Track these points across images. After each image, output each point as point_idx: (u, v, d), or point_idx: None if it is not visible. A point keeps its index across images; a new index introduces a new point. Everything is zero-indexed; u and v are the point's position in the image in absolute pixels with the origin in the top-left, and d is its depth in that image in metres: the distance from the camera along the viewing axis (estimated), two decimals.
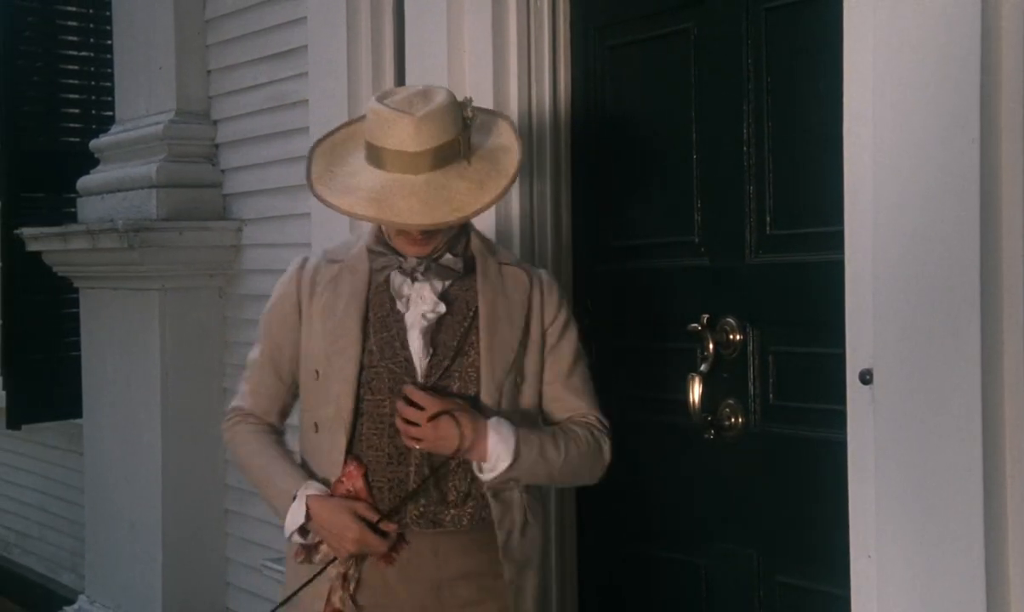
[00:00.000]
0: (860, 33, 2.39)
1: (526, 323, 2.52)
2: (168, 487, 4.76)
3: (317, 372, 2.45)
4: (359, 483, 2.41)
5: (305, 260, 2.56)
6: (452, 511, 2.45)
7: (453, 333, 2.45)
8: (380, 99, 2.39)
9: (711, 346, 2.98)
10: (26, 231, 5.26)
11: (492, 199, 2.38)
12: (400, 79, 3.85)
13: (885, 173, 2.34)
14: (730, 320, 2.97)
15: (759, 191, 2.92)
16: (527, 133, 3.42)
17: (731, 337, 2.97)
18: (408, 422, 2.38)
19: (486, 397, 2.45)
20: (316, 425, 2.47)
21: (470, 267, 2.51)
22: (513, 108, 3.40)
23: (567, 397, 2.58)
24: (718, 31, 3.01)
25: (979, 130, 2.19)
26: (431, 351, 2.44)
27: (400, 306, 2.45)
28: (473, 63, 3.45)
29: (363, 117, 2.47)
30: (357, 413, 2.43)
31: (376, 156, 2.34)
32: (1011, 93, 2.20)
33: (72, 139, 5.75)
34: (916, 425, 2.29)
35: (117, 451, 5.00)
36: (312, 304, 2.48)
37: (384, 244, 2.49)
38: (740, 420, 2.96)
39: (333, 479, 2.43)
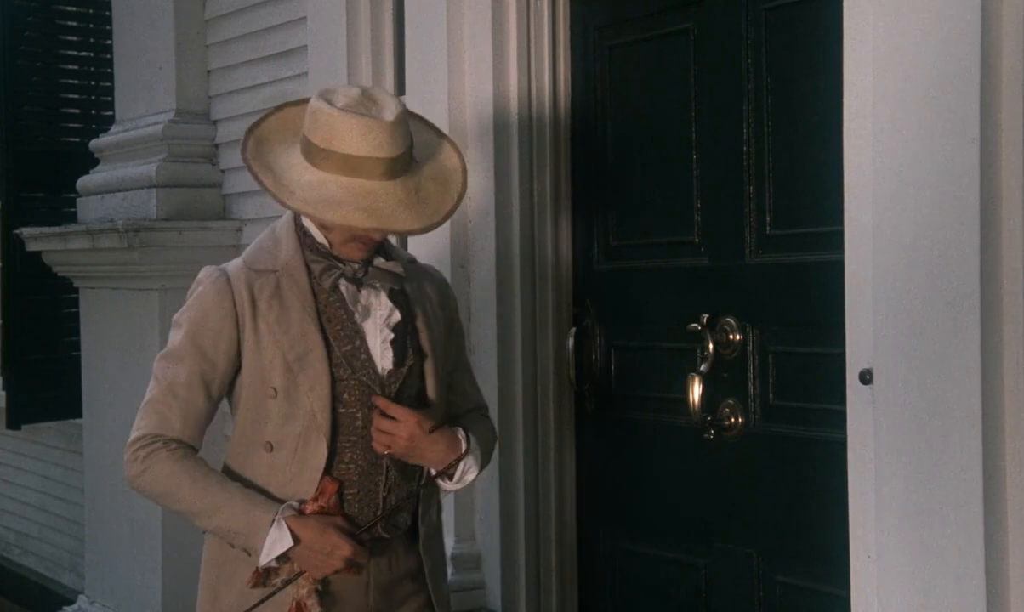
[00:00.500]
0: (860, 33, 2.39)
1: (447, 319, 2.57)
2: None
3: (275, 390, 2.34)
4: (333, 499, 2.36)
5: (225, 272, 2.40)
6: (403, 515, 2.47)
7: (401, 339, 2.44)
8: (331, 101, 2.31)
9: (711, 346, 2.98)
10: (26, 231, 5.26)
11: (461, 195, 2.40)
12: (400, 79, 3.85)
13: (885, 173, 2.34)
14: (730, 320, 2.97)
15: (759, 191, 2.92)
16: (527, 133, 3.42)
17: (731, 337, 2.97)
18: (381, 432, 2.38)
19: (433, 396, 2.48)
20: (270, 445, 2.37)
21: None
22: (513, 108, 3.41)
23: (468, 388, 2.65)
24: (718, 31, 3.01)
25: (979, 129, 2.20)
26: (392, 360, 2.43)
27: (357, 316, 2.41)
28: (473, 63, 3.45)
29: (275, 111, 2.43)
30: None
31: (341, 162, 2.27)
32: (1011, 92, 2.20)
33: (72, 139, 5.74)
34: (916, 425, 2.29)
35: (117, 451, 4.92)
36: (257, 318, 2.35)
37: (318, 251, 2.40)
38: (740, 420, 2.96)
39: (299, 497, 2.34)
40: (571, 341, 3.41)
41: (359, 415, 2.38)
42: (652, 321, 3.24)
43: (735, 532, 3.00)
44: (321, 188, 2.28)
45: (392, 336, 2.43)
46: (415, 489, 2.45)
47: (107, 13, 5.41)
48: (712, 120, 3.03)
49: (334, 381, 2.36)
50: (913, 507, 2.30)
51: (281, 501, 2.34)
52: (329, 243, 2.41)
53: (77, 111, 5.86)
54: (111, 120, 5.33)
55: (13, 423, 5.79)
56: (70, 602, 5.42)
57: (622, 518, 3.32)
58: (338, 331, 2.38)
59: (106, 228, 4.71)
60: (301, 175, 2.31)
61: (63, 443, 6.05)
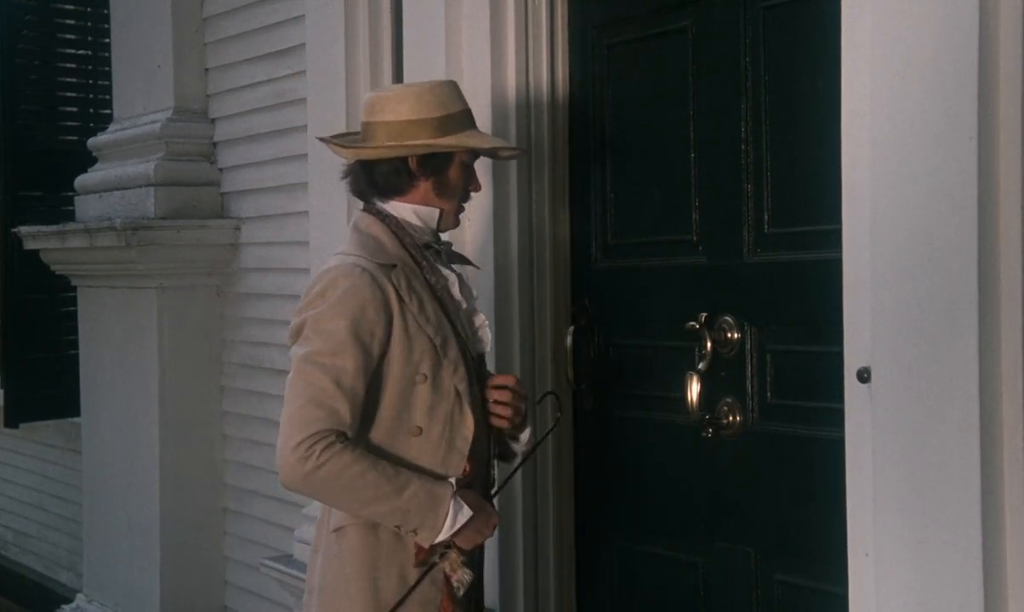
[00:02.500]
0: (858, 31, 2.39)
1: None
2: (166, 485, 4.76)
3: (425, 375, 2.49)
4: (471, 474, 2.55)
5: (364, 267, 2.48)
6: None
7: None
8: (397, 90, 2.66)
9: (709, 344, 2.98)
10: (24, 229, 5.26)
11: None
12: (398, 78, 3.85)
13: (883, 171, 2.34)
14: (728, 318, 2.97)
15: (757, 189, 2.93)
16: (525, 131, 3.42)
17: (729, 335, 2.97)
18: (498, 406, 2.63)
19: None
20: (419, 429, 2.49)
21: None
22: (511, 106, 3.40)
23: None
24: (716, 30, 3.01)
25: (977, 128, 2.20)
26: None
27: (462, 302, 2.62)
28: (471, 62, 3.45)
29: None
30: None
31: (464, 118, 2.62)
32: (1009, 90, 2.20)
33: (70, 137, 5.75)
34: (914, 423, 2.29)
35: (115, 449, 4.99)
36: (404, 310, 2.47)
37: (416, 243, 2.58)
38: (738, 418, 2.96)
39: (453, 473, 2.51)
40: (569, 340, 3.40)
41: (476, 388, 2.59)
42: (650, 320, 3.24)
43: (733, 530, 3.01)
44: (475, 139, 2.61)
45: (486, 320, 2.68)
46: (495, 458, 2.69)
47: (105, 11, 5.41)
48: (710, 119, 3.03)
49: (465, 362, 2.56)
50: (911, 505, 2.30)
51: None
52: (440, 216, 2.61)
53: (75, 109, 5.87)
54: (109, 118, 5.33)
55: (11, 422, 5.79)
56: (68, 601, 5.43)
57: (620, 516, 3.32)
58: (456, 315, 2.59)
59: (104, 226, 4.71)
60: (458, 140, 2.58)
61: (61, 442, 6.06)
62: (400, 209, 2.59)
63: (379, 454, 2.47)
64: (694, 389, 2.94)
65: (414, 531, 2.45)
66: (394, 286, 2.48)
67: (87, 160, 5.27)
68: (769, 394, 2.92)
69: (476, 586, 2.68)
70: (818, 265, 2.71)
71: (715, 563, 3.06)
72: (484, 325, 2.66)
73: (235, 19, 4.72)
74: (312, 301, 2.47)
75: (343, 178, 2.68)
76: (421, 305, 2.50)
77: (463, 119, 2.61)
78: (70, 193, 5.30)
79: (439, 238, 2.64)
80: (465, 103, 2.64)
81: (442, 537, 2.46)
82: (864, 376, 2.37)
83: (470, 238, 3.45)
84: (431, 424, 2.50)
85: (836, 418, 2.50)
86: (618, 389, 3.34)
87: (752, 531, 2.96)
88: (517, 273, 3.42)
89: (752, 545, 2.97)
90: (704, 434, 2.97)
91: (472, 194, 2.69)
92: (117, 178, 4.96)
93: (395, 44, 3.93)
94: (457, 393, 2.51)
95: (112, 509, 5.02)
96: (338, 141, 2.67)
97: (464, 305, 2.63)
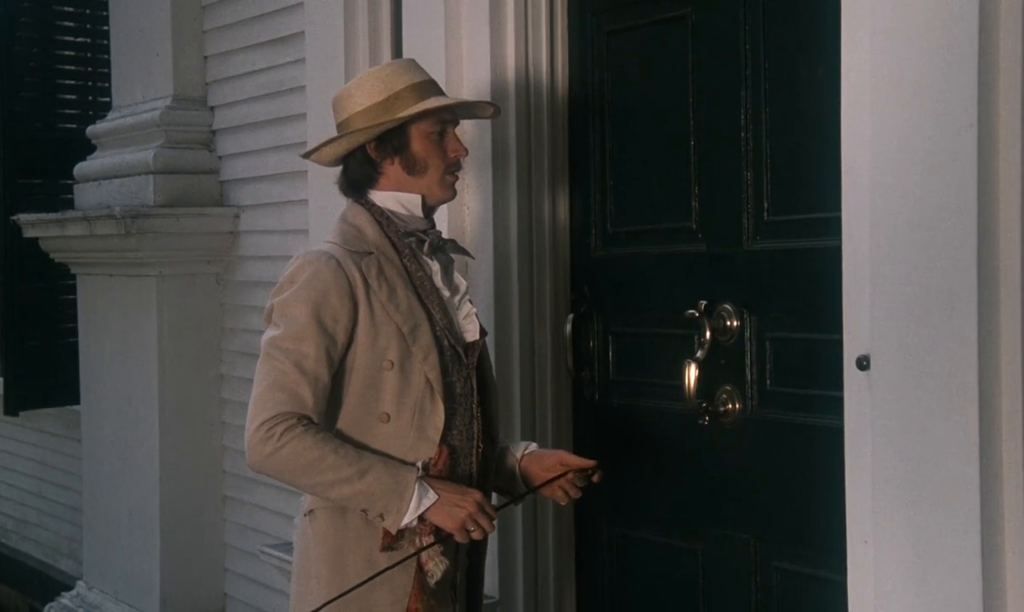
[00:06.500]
0: (858, 18, 2.38)
1: None
2: (166, 473, 4.76)
3: (391, 362, 2.48)
4: (446, 463, 2.51)
5: (332, 254, 2.51)
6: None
7: (476, 313, 2.68)
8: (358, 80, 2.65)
9: (708, 332, 2.98)
10: (23, 217, 5.26)
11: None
12: None
13: (882, 158, 2.33)
14: (727, 306, 2.97)
15: (757, 177, 2.92)
16: (525, 119, 3.42)
17: (728, 323, 2.97)
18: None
19: (492, 367, 2.75)
20: (387, 415, 2.49)
21: None
22: (511, 94, 3.40)
23: None
24: (716, 16, 3.01)
25: (976, 115, 2.19)
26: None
27: (444, 291, 2.61)
28: (470, 49, 3.45)
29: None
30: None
31: (415, 90, 2.59)
32: (1009, 78, 2.20)
33: (69, 125, 5.74)
34: (913, 410, 2.29)
35: (115, 437, 5.00)
36: (370, 295, 2.48)
37: (400, 230, 2.58)
38: (737, 406, 2.96)
39: (421, 463, 2.49)
40: (569, 327, 3.41)
41: (457, 383, 2.56)
42: (650, 307, 3.24)
43: (732, 518, 3.01)
44: (422, 105, 2.55)
45: (475, 310, 2.65)
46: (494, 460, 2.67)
47: None
48: (710, 106, 3.03)
49: (440, 351, 2.52)
50: (910, 493, 2.30)
51: None
52: (425, 198, 2.60)
53: (74, 97, 5.86)
54: (108, 106, 5.32)
55: (11, 410, 5.79)
56: (68, 588, 5.43)
57: (620, 504, 3.32)
58: (435, 304, 2.57)
59: (103, 214, 4.71)
60: (396, 113, 2.55)
61: (61, 429, 6.06)
62: (383, 199, 2.61)
63: (347, 440, 2.48)
64: (691, 376, 2.94)
65: (380, 516, 2.45)
66: (362, 273, 2.49)
67: (86, 148, 5.26)
68: (768, 382, 2.93)
69: (472, 578, 2.68)
70: (818, 253, 2.71)
71: (714, 550, 3.06)
72: (471, 314, 2.64)
73: (234, 6, 4.71)
74: (282, 287, 2.52)
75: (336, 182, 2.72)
76: (391, 293, 2.50)
77: (419, 91, 2.58)
78: (69, 181, 5.30)
79: (429, 226, 2.63)
80: (422, 76, 2.61)
81: (406, 521, 2.44)
82: (863, 364, 2.37)
83: (470, 226, 3.45)
84: (400, 411, 2.49)
85: (835, 406, 2.50)
86: (617, 377, 3.34)
87: (751, 519, 2.96)
88: (516, 261, 3.41)
89: (751, 532, 2.97)
90: (701, 421, 2.97)
91: (461, 159, 2.65)
92: (116, 166, 4.95)
93: (394, 31, 3.92)
94: (428, 381, 2.50)
95: (112, 497, 5.03)
96: (314, 150, 2.69)
97: (447, 294, 2.61)
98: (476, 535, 2.48)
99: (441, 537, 2.49)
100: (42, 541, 6.45)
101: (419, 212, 2.61)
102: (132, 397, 4.88)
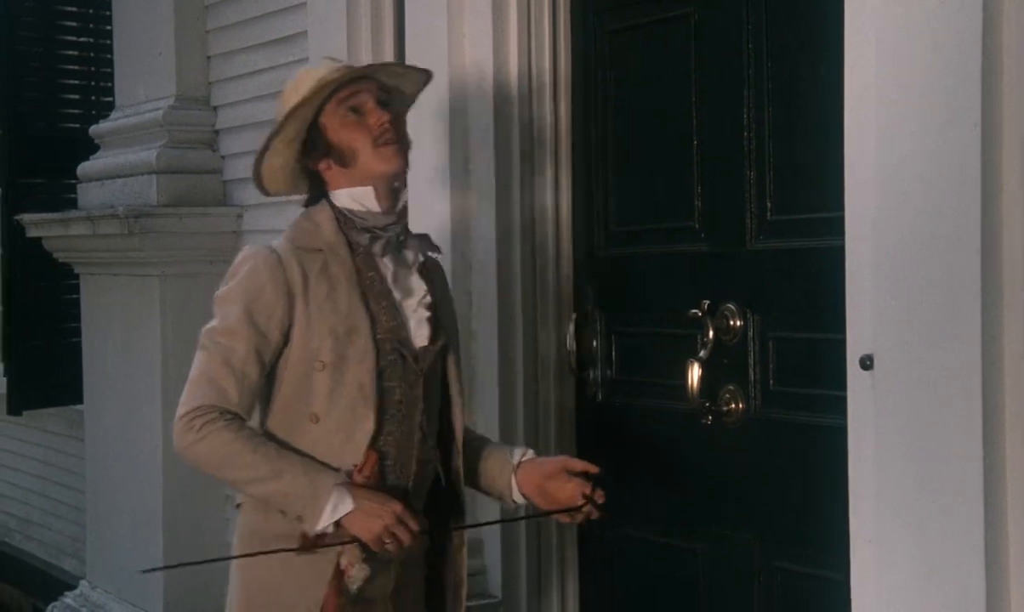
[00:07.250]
0: (862, 17, 2.38)
1: (452, 307, 2.68)
2: (169, 472, 4.76)
3: (322, 363, 2.42)
4: (376, 469, 2.44)
5: (274, 249, 2.47)
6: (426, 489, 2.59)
7: (434, 318, 2.56)
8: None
9: (711, 332, 2.98)
10: (26, 217, 5.26)
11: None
12: None
13: (886, 158, 2.33)
14: (730, 306, 2.97)
15: (759, 176, 2.92)
16: (527, 118, 3.42)
17: (731, 323, 2.97)
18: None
19: (453, 376, 2.61)
20: (316, 416, 2.43)
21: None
22: (513, 93, 3.40)
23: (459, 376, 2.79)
24: (718, 15, 3.00)
25: (980, 114, 2.19)
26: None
27: (396, 294, 2.50)
28: (473, 48, 3.45)
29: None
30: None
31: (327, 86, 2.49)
32: (1013, 77, 2.20)
33: (72, 125, 5.73)
34: (916, 410, 2.29)
35: (118, 437, 5.00)
36: (308, 293, 2.42)
37: (358, 226, 2.49)
38: (740, 406, 2.96)
39: (345, 467, 2.41)
40: (572, 327, 3.41)
41: (398, 389, 2.47)
42: (653, 307, 3.24)
43: (735, 518, 3.01)
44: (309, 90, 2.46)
45: (428, 314, 2.52)
46: (436, 468, 2.56)
47: None
48: (713, 105, 3.02)
49: (378, 355, 2.44)
50: (913, 493, 2.30)
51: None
52: (374, 186, 2.47)
53: (77, 97, 5.86)
54: (111, 106, 5.32)
55: (14, 409, 5.80)
56: (72, 587, 5.43)
57: (622, 503, 3.31)
58: (381, 307, 2.48)
59: (106, 214, 4.71)
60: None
61: (64, 429, 6.06)
62: (340, 198, 2.51)
63: (277, 438, 2.44)
64: (694, 376, 2.94)
65: (299, 518, 2.39)
66: (304, 271, 2.43)
67: (89, 147, 5.26)
68: (771, 381, 2.92)
69: (435, 593, 2.59)
70: (821, 252, 2.71)
71: (716, 550, 3.06)
72: (424, 321, 2.51)
73: (237, 6, 4.71)
74: (226, 279, 2.50)
75: None
76: (331, 291, 2.43)
77: (329, 85, 2.47)
78: (72, 181, 5.29)
79: (391, 222, 2.51)
80: (335, 71, 2.47)
81: (320, 527, 2.36)
82: (867, 363, 2.37)
83: (472, 225, 3.45)
84: (329, 413, 2.42)
85: (838, 405, 2.50)
86: (621, 376, 3.34)
87: (754, 518, 2.96)
88: (520, 260, 3.41)
89: (754, 532, 2.97)
90: (703, 421, 2.97)
91: (384, 130, 2.47)
92: (119, 166, 4.95)
93: (397, 32, 3.92)
94: (360, 385, 2.42)
95: (115, 496, 5.03)
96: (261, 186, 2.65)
97: (398, 297, 2.50)
98: (391, 548, 2.37)
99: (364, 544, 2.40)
100: (45, 540, 6.46)
101: (376, 206, 2.49)
102: (135, 396, 4.88)
